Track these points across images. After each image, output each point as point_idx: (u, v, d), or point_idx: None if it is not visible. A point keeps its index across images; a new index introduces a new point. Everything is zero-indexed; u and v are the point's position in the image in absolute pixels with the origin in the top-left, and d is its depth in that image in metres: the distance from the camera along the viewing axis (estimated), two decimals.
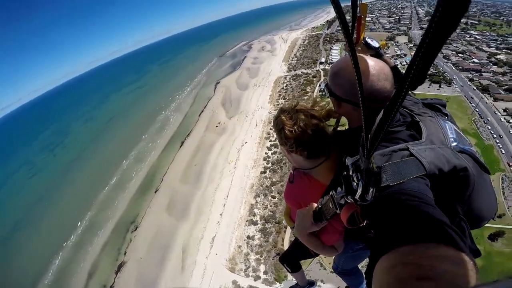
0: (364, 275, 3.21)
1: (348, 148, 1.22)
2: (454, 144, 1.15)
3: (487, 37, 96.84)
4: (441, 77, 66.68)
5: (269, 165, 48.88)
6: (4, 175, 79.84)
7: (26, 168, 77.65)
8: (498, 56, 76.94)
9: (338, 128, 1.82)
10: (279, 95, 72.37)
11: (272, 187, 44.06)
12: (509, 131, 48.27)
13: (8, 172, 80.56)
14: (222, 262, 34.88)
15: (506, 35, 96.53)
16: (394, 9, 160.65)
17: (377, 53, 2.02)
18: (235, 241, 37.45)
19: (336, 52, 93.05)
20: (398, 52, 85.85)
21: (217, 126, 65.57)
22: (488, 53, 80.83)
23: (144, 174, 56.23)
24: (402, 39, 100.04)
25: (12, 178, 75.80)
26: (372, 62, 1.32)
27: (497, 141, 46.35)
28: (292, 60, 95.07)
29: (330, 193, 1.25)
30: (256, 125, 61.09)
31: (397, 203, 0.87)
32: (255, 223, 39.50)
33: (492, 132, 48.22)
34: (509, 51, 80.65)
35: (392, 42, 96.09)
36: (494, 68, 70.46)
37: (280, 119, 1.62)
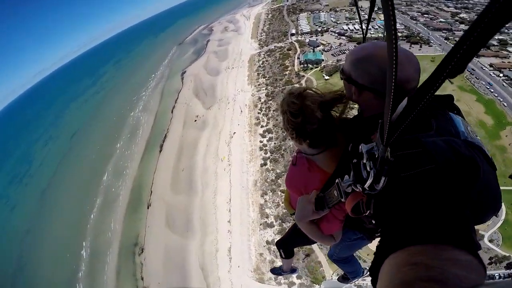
0: (359, 263, 3.53)
1: (357, 137, 1.18)
2: (464, 137, 1.13)
3: None
4: (418, 38, 65.26)
5: (268, 154, 43.21)
6: None
7: (1, 203, 66.17)
8: (461, 15, 76.99)
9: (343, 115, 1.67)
10: (258, 74, 65.87)
11: (278, 180, 38.71)
12: (503, 85, 47.68)
13: None
14: (248, 274, 31.68)
15: None
16: None
17: None
18: (254, 249, 33.40)
19: (304, 22, 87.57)
20: (367, 17, 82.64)
21: (195, 121, 57.91)
22: (450, 12, 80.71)
23: (129, 188, 49.36)
24: (366, 4, 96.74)
25: None
26: (404, 51, 1.28)
27: (496, 94, 45.61)
28: (261, 36, 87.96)
29: (336, 181, 1.24)
30: (241, 111, 54.45)
31: (407, 197, 0.86)
32: (270, 225, 34.67)
33: (488, 87, 47.44)
34: (467, 10, 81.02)
35: (360, 6, 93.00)
36: (463, 26, 69.84)
37: (285, 101, 1.54)
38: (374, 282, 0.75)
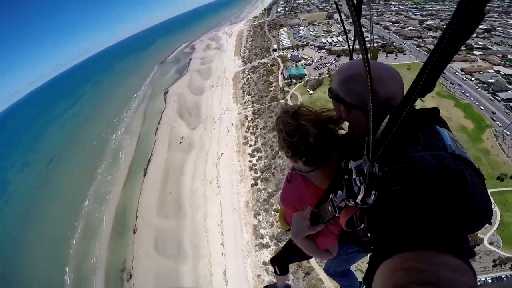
0: (356, 277, 3.35)
1: (349, 154, 1.20)
2: (451, 150, 1.15)
3: (407, 6, 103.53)
4: (392, 47, 67.73)
5: (258, 174, 42.22)
6: None
7: None
8: (428, 22, 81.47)
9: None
10: (243, 91, 65.62)
11: (270, 200, 37.78)
12: (476, 88, 49.58)
13: None
14: None
15: (421, 3, 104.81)
16: None
17: None
18: (251, 271, 32.17)
19: (285, 37, 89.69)
20: (342, 29, 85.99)
21: (180, 142, 56.31)
22: (417, 20, 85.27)
23: (112, 214, 47.08)
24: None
25: None
26: (387, 69, 1.33)
27: (472, 98, 47.49)
28: (245, 53, 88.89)
29: (330, 197, 1.28)
30: (228, 131, 53.46)
31: (398, 208, 0.90)
32: (266, 246, 33.54)
33: (464, 92, 49.13)
34: (433, 16, 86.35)
35: (333, 20, 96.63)
36: (431, 33, 73.92)
37: (280, 119, 1.55)
38: None
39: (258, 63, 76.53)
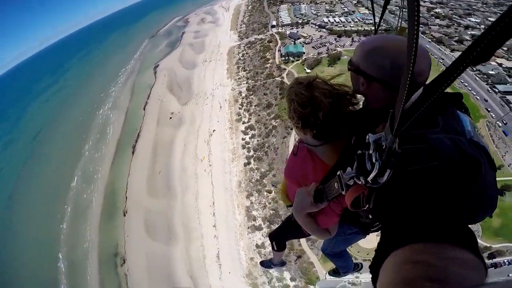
0: (351, 259, 3.56)
1: (361, 129, 1.16)
2: (469, 136, 1.13)
3: None
4: (395, 32, 64.74)
5: (251, 153, 40.34)
6: None
7: None
8: (436, 10, 77.82)
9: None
10: (238, 67, 62.48)
11: (263, 180, 36.13)
12: (476, 79, 49.01)
13: None
14: (240, 280, 30.39)
15: None
16: None
17: None
18: (244, 254, 31.81)
19: (285, 14, 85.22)
20: (346, 10, 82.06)
21: (170, 118, 53.71)
22: (426, 7, 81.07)
23: (101, 194, 45.06)
24: None
25: None
26: (420, 47, 1.35)
27: (470, 88, 46.73)
28: (241, 28, 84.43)
29: (338, 173, 1.21)
30: (221, 107, 50.89)
31: (411, 193, 0.86)
32: (258, 228, 32.66)
33: (463, 81, 48.54)
34: (442, 4, 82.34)
35: (337, 0, 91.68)
36: (438, 21, 70.91)
37: (293, 90, 1.50)
38: (374, 279, 0.74)
39: (255, 38, 72.71)
